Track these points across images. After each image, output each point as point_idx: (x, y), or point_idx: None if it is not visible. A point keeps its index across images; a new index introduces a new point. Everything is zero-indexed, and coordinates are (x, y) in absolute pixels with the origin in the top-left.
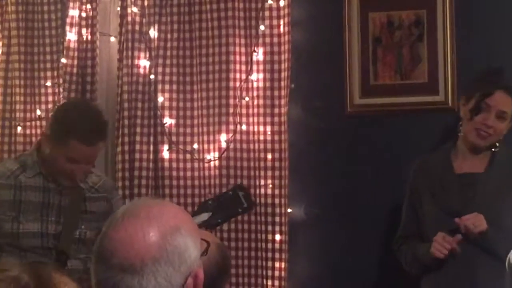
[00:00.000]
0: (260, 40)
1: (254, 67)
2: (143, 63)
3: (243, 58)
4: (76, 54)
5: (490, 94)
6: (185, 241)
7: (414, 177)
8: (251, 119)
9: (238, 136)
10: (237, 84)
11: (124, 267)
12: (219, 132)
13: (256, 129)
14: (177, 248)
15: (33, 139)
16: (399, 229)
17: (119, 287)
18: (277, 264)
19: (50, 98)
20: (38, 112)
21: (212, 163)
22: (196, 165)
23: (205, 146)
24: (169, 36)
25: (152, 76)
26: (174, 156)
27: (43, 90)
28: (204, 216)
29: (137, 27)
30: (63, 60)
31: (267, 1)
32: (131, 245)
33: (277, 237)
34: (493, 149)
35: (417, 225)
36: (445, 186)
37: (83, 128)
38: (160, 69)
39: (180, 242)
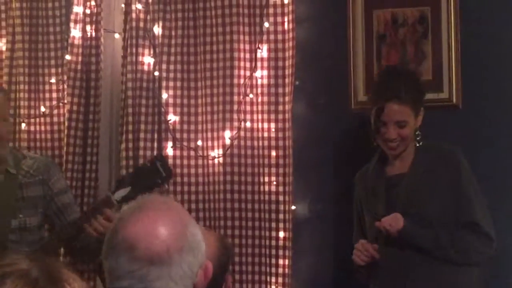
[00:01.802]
0: (265, 37)
1: (259, 64)
2: (147, 60)
3: (248, 55)
4: (80, 50)
5: (381, 110)
6: (198, 231)
7: (355, 187)
8: (255, 116)
9: (242, 133)
10: (241, 81)
11: (152, 258)
12: (223, 129)
13: (260, 126)
14: (195, 237)
15: (37, 135)
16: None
17: (147, 279)
18: (281, 261)
19: (54, 95)
20: (43, 109)
21: (216, 160)
22: (200, 162)
23: (209, 143)
24: (173, 33)
25: (156, 73)
26: (178, 153)
27: (47, 87)
28: (122, 192)
29: (141, 24)
30: (67, 57)
31: None
32: (156, 236)
33: (281, 234)
34: (417, 144)
35: (362, 236)
36: (375, 192)
37: None
38: (164, 66)
39: (196, 232)
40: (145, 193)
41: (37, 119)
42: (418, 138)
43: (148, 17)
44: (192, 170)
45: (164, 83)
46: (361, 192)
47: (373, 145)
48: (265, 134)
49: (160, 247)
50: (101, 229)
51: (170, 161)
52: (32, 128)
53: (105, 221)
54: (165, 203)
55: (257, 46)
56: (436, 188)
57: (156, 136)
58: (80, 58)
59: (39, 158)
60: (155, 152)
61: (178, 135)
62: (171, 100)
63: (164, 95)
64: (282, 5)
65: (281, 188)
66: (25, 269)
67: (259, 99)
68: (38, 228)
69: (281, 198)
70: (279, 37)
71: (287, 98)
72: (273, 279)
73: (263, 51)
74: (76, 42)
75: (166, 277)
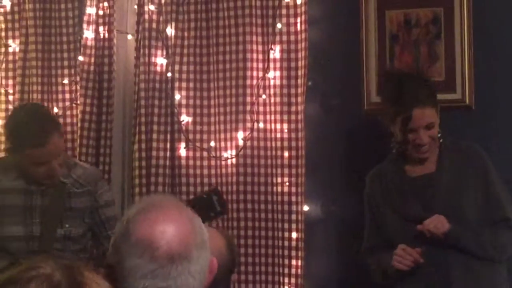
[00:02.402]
0: (277, 38)
1: (271, 65)
2: (160, 61)
3: (260, 56)
4: (93, 52)
5: (409, 118)
6: (204, 226)
7: (370, 189)
8: (268, 117)
9: (255, 134)
10: (254, 82)
11: (172, 255)
12: (236, 129)
13: (273, 127)
14: (204, 232)
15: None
16: (363, 243)
17: (169, 276)
18: (293, 262)
19: (67, 96)
20: (55, 110)
21: (229, 161)
22: (213, 162)
23: (222, 144)
24: (186, 34)
25: (169, 74)
26: (191, 153)
27: (60, 88)
28: None
29: (154, 25)
30: (80, 58)
31: None
32: (173, 234)
33: (294, 234)
34: (440, 140)
35: (380, 237)
36: (401, 192)
37: (30, 135)
38: (177, 67)
39: (203, 227)
40: None
41: None
42: (439, 135)
43: (161, 18)
44: (205, 171)
45: (176, 84)
46: (379, 194)
47: (393, 146)
48: (278, 135)
49: (179, 244)
50: None
51: (183, 162)
52: None
53: None
54: (170, 201)
55: (270, 47)
56: (468, 186)
57: (169, 137)
58: (93, 59)
59: (89, 169)
60: (168, 153)
61: (191, 136)
62: (184, 101)
63: (177, 96)
64: (295, 6)
65: (293, 189)
66: (48, 273)
67: (272, 100)
68: (81, 237)
69: (293, 198)
70: (292, 38)
71: (299, 99)
72: (286, 280)
73: (275, 52)
74: (89, 43)
75: (186, 273)
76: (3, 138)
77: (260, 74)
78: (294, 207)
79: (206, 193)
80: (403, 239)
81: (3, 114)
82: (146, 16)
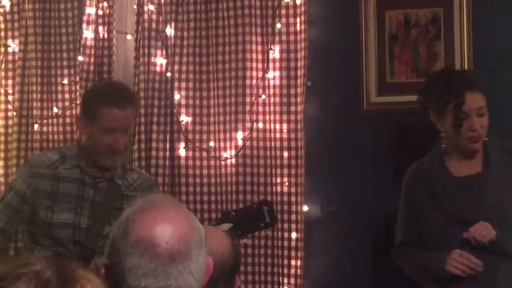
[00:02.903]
0: (277, 38)
1: (271, 65)
2: (160, 61)
3: (260, 56)
4: (92, 52)
5: (462, 102)
6: (201, 225)
7: (411, 184)
8: (267, 117)
9: (254, 134)
10: (254, 82)
11: (173, 254)
12: (236, 130)
13: (272, 127)
14: (201, 231)
15: (50, 136)
16: (398, 237)
17: (171, 275)
18: (293, 262)
19: (66, 96)
20: (55, 110)
21: (228, 161)
22: (212, 163)
23: (221, 144)
24: (185, 34)
25: (168, 74)
26: (190, 154)
27: (59, 88)
28: (225, 227)
29: (153, 25)
30: (80, 58)
31: None
32: (174, 233)
33: (293, 235)
34: (485, 139)
35: (417, 233)
36: (447, 191)
37: (110, 94)
38: (176, 67)
39: (201, 226)
40: (245, 233)
41: (50, 120)
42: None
43: (161, 18)
44: (205, 171)
45: (176, 84)
46: (422, 191)
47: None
48: (277, 135)
49: (179, 242)
50: None
51: (182, 162)
52: (44, 129)
53: None
54: (168, 201)
55: (269, 47)
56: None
57: (168, 137)
58: (92, 59)
59: (144, 175)
60: (167, 153)
61: (190, 136)
62: (183, 101)
63: (177, 96)
64: (295, 6)
65: (293, 189)
66: (38, 270)
67: (271, 100)
68: None
69: (293, 199)
70: (291, 38)
71: (299, 99)
72: (285, 280)
73: (275, 52)
74: (88, 43)
75: (187, 272)
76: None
77: (260, 74)
78: (293, 207)
79: (257, 203)
80: (447, 240)
81: (2, 114)
82: (146, 16)
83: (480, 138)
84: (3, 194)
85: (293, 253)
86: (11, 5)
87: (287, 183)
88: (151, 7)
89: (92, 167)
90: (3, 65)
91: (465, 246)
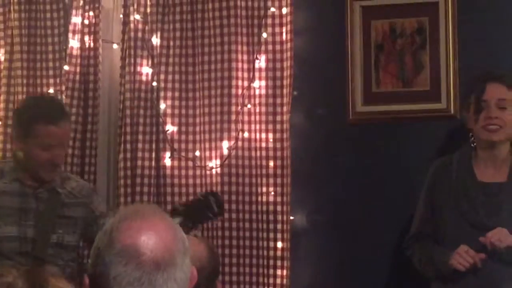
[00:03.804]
0: (263, 48)
1: (257, 74)
2: (146, 70)
3: (246, 66)
4: (78, 61)
5: (483, 90)
6: (184, 235)
7: (434, 178)
8: (253, 126)
9: (240, 144)
10: (240, 91)
11: (158, 262)
12: (221, 139)
13: (258, 137)
14: (186, 241)
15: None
16: (412, 227)
17: (156, 283)
18: (279, 272)
19: None
20: None
21: (214, 171)
22: (198, 172)
23: (207, 153)
24: (171, 43)
25: (154, 83)
26: (176, 163)
27: None
28: (175, 221)
29: (139, 34)
30: (66, 67)
31: (269, 9)
32: (158, 242)
33: (279, 244)
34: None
35: (432, 226)
36: (468, 194)
37: (44, 111)
38: (162, 76)
39: (184, 235)
40: (196, 225)
41: None
42: None
43: (146, 28)
44: (190, 181)
45: (162, 93)
46: (443, 186)
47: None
48: (263, 145)
49: (164, 251)
50: None
51: (168, 171)
52: None
53: None
54: (153, 210)
55: (255, 56)
56: None
57: (154, 146)
58: (78, 69)
59: (82, 182)
60: (153, 163)
61: (176, 146)
62: (169, 110)
63: (162, 105)
64: (280, 15)
65: (279, 198)
66: (10, 281)
67: (257, 109)
68: (73, 249)
69: (279, 208)
70: (277, 47)
71: (285, 109)
72: None
73: (261, 62)
74: (74, 52)
75: (172, 280)
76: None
77: (246, 83)
78: (279, 217)
79: (203, 195)
80: (458, 241)
81: None
82: (132, 26)
83: (499, 129)
84: None
85: (279, 262)
86: None
87: (273, 193)
88: (137, 17)
89: (31, 180)
90: None
91: (480, 250)
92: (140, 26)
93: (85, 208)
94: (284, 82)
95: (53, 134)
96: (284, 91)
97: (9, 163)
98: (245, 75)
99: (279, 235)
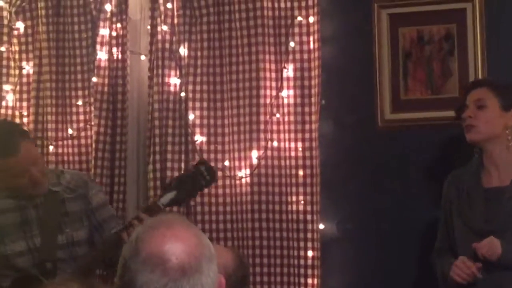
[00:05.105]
0: (290, 57)
1: (285, 83)
2: (174, 81)
3: (273, 75)
4: (107, 73)
5: (468, 92)
6: (209, 242)
7: (447, 189)
8: (282, 136)
9: (269, 153)
10: (268, 100)
11: (183, 268)
12: (250, 149)
13: (287, 146)
14: (211, 248)
15: (65, 157)
16: (436, 242)
17: None
18: (309, 281)
19: (81, 117)
20: (70, 131)
21: (243, 180)
22: (227, 182)
23: (236, 163)
24: (199, 53)
25: (182, 94)
26: None
27: (74, 109)
28: (170, 195)
29: (167, 45)
30: (94, 79)
31: (296, 18)
32: (184, 248)
33: (310, 253)
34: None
35: (448, 239)
36: (472, 200)
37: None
38: (190, 87)
39: (209, 242)
40: (190, 196)
41: (65, 142)
42: (509, 140)
43: (174, 38)
44: (220, 191)
45: (190, 104)
46: (453, 195)
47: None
48: (292, 154)
49: (189, 256)
50: None
51: None
52: (60, 150)
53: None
54: (176, 219)
55: (283, 65)
56: None
57: (183, 157)
58: (106, 80)
59: (76, 173)
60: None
61: (205, 156)
62: (197, 121)
63: (191, 116)
64: (308, 24)
65: (308, 207)
66: None
67: (286, 119)
68: (85, 243)
69: (309, 217)
70: (305, 56)
71: (313, 117)
72: None
73: (289, 71)
74: (102, 64)
75: (199, 286)
76: None
77: (274, 93)
78: (309, 226)
79: (194, 166)
80: (465, 249)
81: None
82: (159, 37)
83: (473, 128)
84: None
85: (309, 271)
86: (25, 28)
87: (302, 202)
88: (165, 28)
89: (22, 196)
90: (17, 87)
91: (477, 257)
92: (167, 37)
93: (83, 199)
94: (312, 91)
95: (18, 163)
96: (313, 100)
97: None
98: (273, 84)
99: (309, 244)
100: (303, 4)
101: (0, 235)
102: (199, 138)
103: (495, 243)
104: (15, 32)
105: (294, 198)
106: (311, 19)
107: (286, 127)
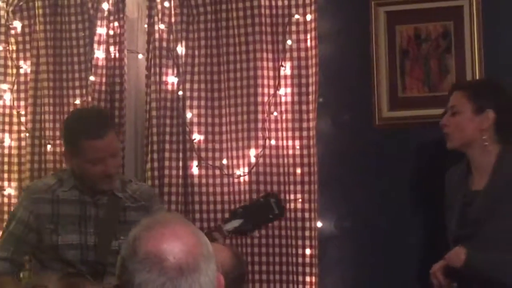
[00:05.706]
0: (288, 55)
1: (282, 81)
2: (171, 79)
3: (271, 73)
4: (104, 71)
5: (449, 96)
6: (208, 241)
7: (446, 188)
8: (279, 134)
9: (267, 151)
10: (265, 99)
11: (181, 267)
12: (248, 147)
13: (285, 144)
14: (209, 246)
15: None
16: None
17: None
18: (307, 279)
19: None
20: None
21: (241, 179)
22: (225, 180)
23: (234, 161)
24: (196, 52)
25: (180, 92)
26: (203, 172)
27: (72, 108)
28: (236, 223)
29: (164, 44)
30: (92, 78)
31: (293, 16)
32: (181, 247)
33: (307, 251)
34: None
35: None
36: (453, 203)
37: (87, 125)
38: (188, 85)
39: (208, 241)
40: (255, 228)
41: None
42: (485, 144)
43: (171, 37)
44: (218, 189)
45: (188, 102)
46: (446, 194)
47: None
48: (290, 152)
49: (187, 255)
50: None
51: (196, 180)
52: (57, 149)
53: None
54: (174, 218)
55: (280, 63)
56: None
57: (181, 155)
58: (104, 79)
59: (144, 185)
60: (180, 172)
61: (203, 154)
62: (195, 119)
63: (189, 114)
64: (305, 22)
65: (306, 205)
66: None
67: (283, 117)
68: None
69: (306, 215)
70: (302, 54)
71: (311, 115)
72: None
73: (286, 69)
74: (100, 63)
75: (197, 285)
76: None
77: (271, 91)
78: (307, 224)
79: (263, 197)
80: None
81: (15, 135)
82: (157, 35)
83: (448, 137)
84: (6, 223)
85: (307, 269)
86: (22, 27)
87: (300, 200)
88: (162, 26)
89: (89, 190)
90: (15, 86)
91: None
92: (165, 35)
93: (145, 212)
94: (310, 89)
95: (100, 149)
96: (310, 97)
97: (68, 172)
98: (271, 82)
99: (307, 242)
100: (300, 2)
101: (56, 224)
102: (197, 137)
103: (458, 252)
104: (13, 31)
105: (292, 196)
106: (308, 17)
107: (284, 125)
